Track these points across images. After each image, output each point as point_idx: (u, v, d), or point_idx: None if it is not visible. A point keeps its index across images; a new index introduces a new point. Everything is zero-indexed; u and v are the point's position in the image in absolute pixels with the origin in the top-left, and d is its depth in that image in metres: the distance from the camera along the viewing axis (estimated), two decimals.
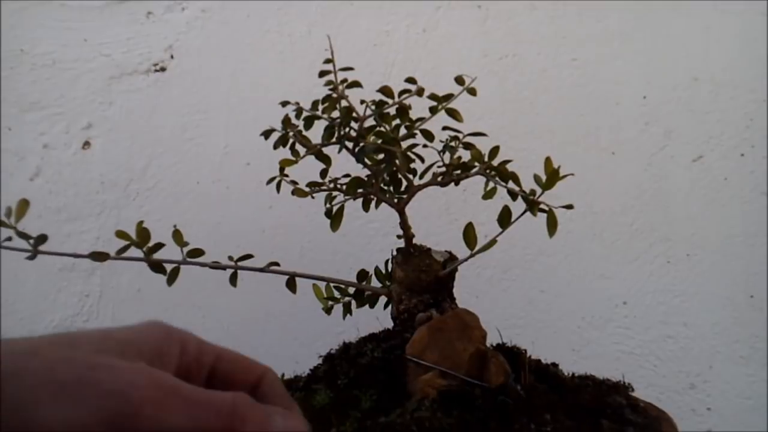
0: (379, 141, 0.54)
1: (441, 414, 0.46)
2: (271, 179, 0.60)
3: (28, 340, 0.30)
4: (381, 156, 0.54)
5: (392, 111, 0.54)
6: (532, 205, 0.51)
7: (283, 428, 0.32)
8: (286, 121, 0.58)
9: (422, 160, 0.57)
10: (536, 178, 0.51)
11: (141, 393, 0.28)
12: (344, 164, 0.58)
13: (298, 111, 0.58)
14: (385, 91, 0.50)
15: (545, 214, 0.51)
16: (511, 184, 0.52)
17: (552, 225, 0.50)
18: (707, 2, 0.98)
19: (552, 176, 0.50)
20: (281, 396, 0.36)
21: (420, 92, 0.51)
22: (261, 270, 0.60)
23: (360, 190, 0.57)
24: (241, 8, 0.99)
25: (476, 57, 0.99)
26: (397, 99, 0.52)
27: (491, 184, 0.53)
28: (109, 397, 0.27)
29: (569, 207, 0.51)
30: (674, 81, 0.98)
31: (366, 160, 0.55)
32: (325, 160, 0.58)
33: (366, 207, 0.59)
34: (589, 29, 0.99)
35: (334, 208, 0.58)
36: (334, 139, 0.54)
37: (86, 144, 0.94)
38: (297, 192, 0.59)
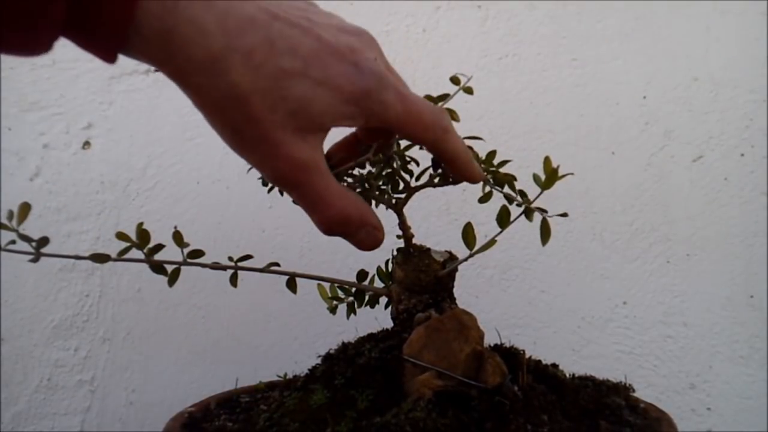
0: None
1: (436, 414, 0.46)
2: None
3: None
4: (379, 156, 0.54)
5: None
6: (528, 212, 0.51)
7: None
8: None
9: (417, 163, 0.57)
10: (535, 178, 0.51)
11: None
12: None
13: None
14: None
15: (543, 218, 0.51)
16: (507, 189, 0.52)
17: (545, 233, 0.51)
18: (707, 2, 0.97)
19: (551, 176, 0.50)
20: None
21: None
22: (261, 270, 0.60)
23: (357, 191, 0.57)
24: None
25: (476, 57, 0.99)
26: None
27: (488, 188, 0.53)
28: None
29: (564, 215, 0.51)
30: (674, 81, 0.98)
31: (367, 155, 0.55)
32: None
33: (368, 202, 0.59)
34: (589, 29, 0.99)
35: None
36: None
37: (86, 144, 0.94)
38: None
